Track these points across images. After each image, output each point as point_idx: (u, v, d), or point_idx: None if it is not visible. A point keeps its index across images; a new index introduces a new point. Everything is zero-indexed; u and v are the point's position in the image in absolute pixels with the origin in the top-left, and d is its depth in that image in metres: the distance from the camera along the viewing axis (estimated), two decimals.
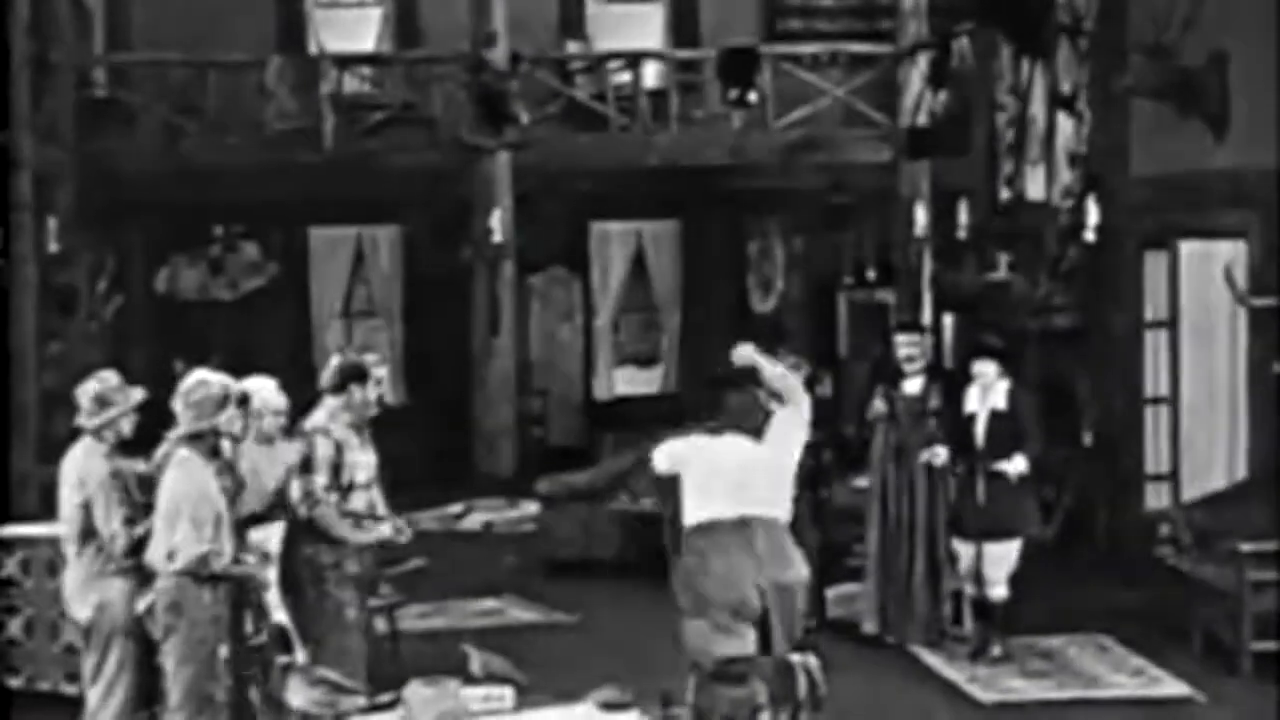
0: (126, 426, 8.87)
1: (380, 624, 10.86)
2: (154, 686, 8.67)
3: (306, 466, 9.30)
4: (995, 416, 11.43)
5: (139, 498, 8.74)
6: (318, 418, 9.45)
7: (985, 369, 11.55)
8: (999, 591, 11.52)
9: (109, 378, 8.97)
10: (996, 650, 11.52)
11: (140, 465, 8.86)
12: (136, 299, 21.12)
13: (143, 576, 8.58)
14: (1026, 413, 11.55)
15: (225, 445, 8.74)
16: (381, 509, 9.55)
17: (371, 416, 9.55)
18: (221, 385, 8.68)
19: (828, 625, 12.08)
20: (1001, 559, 11.50)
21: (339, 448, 9.33)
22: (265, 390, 9.51)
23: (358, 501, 9.43)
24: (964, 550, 11.60)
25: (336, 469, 9.32)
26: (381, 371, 9.67)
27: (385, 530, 9.52)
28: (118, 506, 8.69)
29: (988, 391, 11.51)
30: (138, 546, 8.62)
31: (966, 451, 11.50)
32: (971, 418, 11.50)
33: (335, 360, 9.69)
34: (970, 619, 11.88)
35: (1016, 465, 11.34)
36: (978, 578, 11.58)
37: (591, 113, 20.26)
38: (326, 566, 9.32)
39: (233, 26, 20.33)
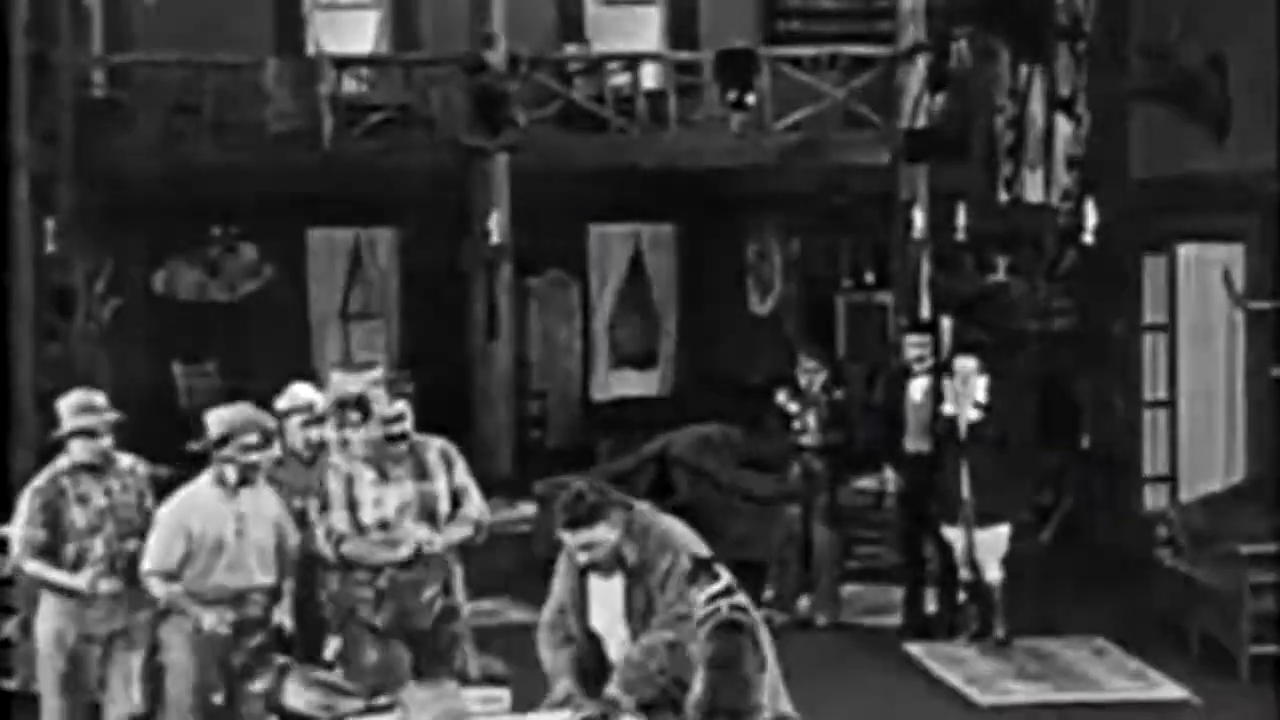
0: (76, 449, 8.45)
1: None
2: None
3: (325, 504, 8.62)
4: (975, 409, 11.75)
5: (83, 522, 8.45)
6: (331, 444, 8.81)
7: (965, 364, 11.87)
8: (994, 574, 11.78)
9: (79, 399, 8.53)
10: (1000, 633, 11.66)
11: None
12: (134, 300, 21.03)
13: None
14: (1006, 404, 11.91)
15: (230, 472, 8.55)
16: (409, 546, 8.69)
17: (394, 445, 8.63)
18: (251, 412, 8.50)
19: (836, 626, 12.17)
20: (993, 545, 11.75)
21: (350, 482, 8.60)
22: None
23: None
24: (955, 537, 11.82)
25: (352, 506, 8.59)
26: (400, 405, 8.67)
27: (403, 551, 8.77)
28: (25, 524, 8.48)
29: (966, 386, 11.78)
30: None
31: (949, 443, 11.76)
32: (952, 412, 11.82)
33: (333, 388, 8.80)
34: (968, 605, 12.11)
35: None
36: (971, 564, 11.82)
37: (590, 115, 20.23)
38: (360, 601, 8.85)
39: (231, 27, 20.30)
